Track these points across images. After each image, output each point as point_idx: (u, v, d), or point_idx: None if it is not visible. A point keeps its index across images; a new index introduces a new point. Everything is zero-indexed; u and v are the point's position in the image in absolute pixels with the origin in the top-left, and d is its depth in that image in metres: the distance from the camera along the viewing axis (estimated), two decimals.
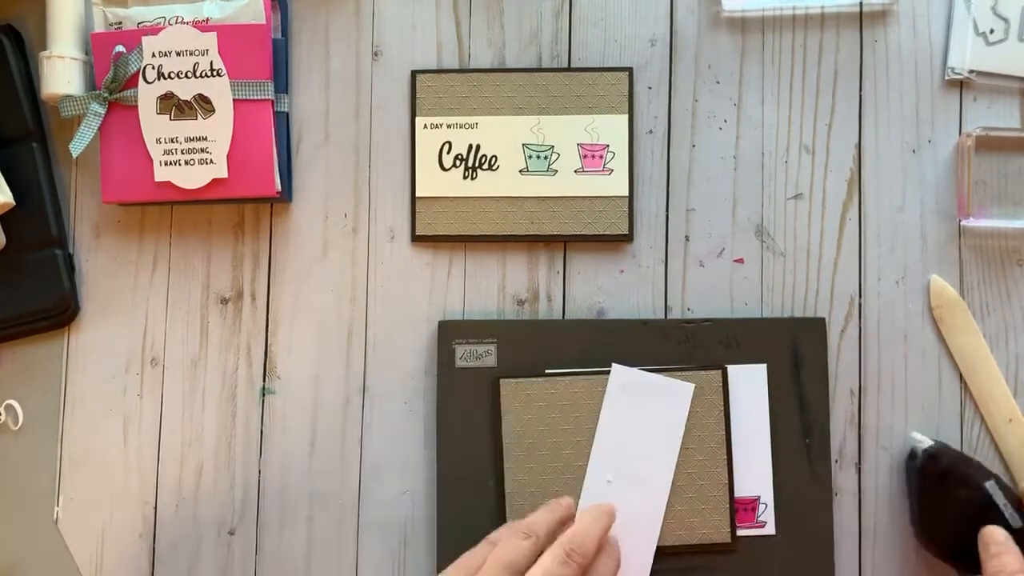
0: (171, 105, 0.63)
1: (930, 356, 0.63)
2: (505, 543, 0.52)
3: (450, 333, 0.63)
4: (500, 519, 0.61)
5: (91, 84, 0.64)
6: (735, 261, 0.64)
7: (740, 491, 0.61)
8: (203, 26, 0.63)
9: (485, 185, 0.64)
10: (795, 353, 0.62)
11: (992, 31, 0.64)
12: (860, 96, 0.65)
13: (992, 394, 0.62)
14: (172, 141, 0.63)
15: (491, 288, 0.65)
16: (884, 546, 0.62)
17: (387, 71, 0.66)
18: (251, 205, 0.66)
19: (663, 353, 0.62)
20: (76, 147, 0.62)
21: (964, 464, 0.59)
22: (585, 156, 0.64)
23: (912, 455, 0.61)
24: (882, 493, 0.63)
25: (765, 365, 0.62)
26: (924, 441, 0.61)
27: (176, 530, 0.64)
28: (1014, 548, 0.55)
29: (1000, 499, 0.58)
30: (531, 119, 0.65)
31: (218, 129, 0.63)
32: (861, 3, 0.65)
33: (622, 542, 0.57)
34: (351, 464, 0.64)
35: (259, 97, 0.63)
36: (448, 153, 0.65)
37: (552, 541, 0.53)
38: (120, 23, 0.64)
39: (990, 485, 0.58)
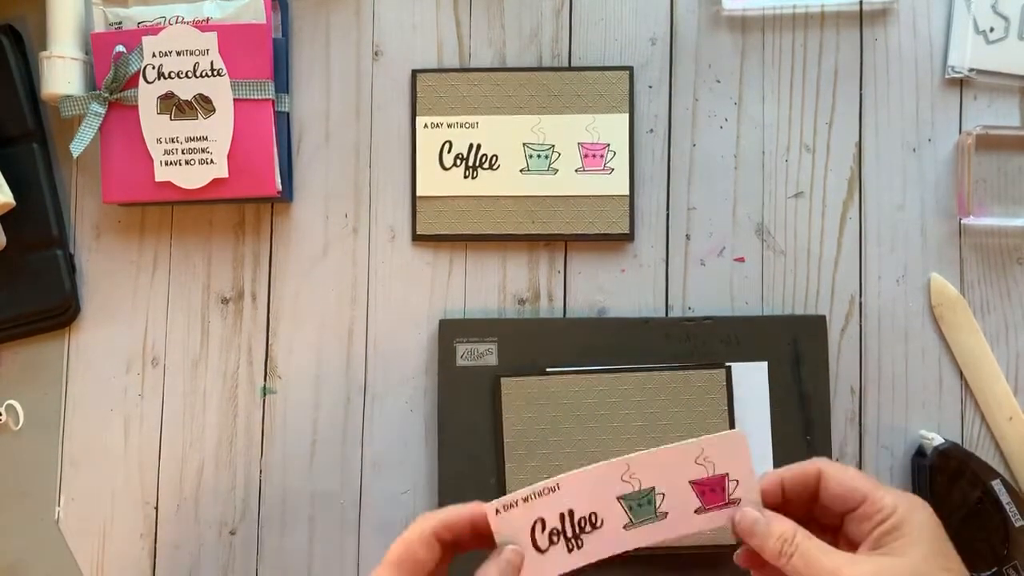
0: (171, 105, 0.63)
1: (931, 354, 0.63)
2: None
3: (451, 332, 0.63)
4: None
5: (91, 84, 0.64)
6: (736, 260, 0.65)
7: None
8: (203, 26, 0.63)
9: (486, 184, 0.64)
10: (796, 351, 0.62)
11: (992, 29, 0.64)
12: (860, 95, 0.65)
13: (993, 392, 0.62)
14: (172, 141, 0.63)
15: (492, 287, 0.65)
16: None
17: (387, 71, 0.66)
18: (252, 205, 0.66)
19: (664, 351, 0.62)
20: (76, 147, 0.62)
21: (973, 462, 0.59)
22: (586, 155, 0.64)
23: (920, 452, 0.62)
24: None
25: (766, 363, 0.62)
26: (935, 439, 0.61)
27: (177, 530, 0.64)
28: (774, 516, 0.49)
29: (1005, 498, 0.58)
30: (532, 118, 0.65)
31: (219, 129, 0.63)
32: (861, 2, 0.65)
33: None
34: (352, 463, 0.64)
35: (260, 97, 0.63)
36: (449, 152, 0.65)
37: None
38: (120, 23, 0.64)
39: (996, 484, 0.59)
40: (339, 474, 0.64)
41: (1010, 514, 0.58)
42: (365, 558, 0.64)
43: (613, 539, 0.52)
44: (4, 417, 0.65)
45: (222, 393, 0.65)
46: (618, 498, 0.52)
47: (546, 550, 0.52)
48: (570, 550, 0.52)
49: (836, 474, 0.49)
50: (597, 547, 0.52)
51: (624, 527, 0.52)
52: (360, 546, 0.64)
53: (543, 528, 0.52)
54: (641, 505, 0.53)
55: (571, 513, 0.52)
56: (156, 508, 0.65)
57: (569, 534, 0.52)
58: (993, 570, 0.59)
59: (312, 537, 0.64)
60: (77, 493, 0.65)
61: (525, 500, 0.51)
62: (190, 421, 0.65)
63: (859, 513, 0.48)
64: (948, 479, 0.59)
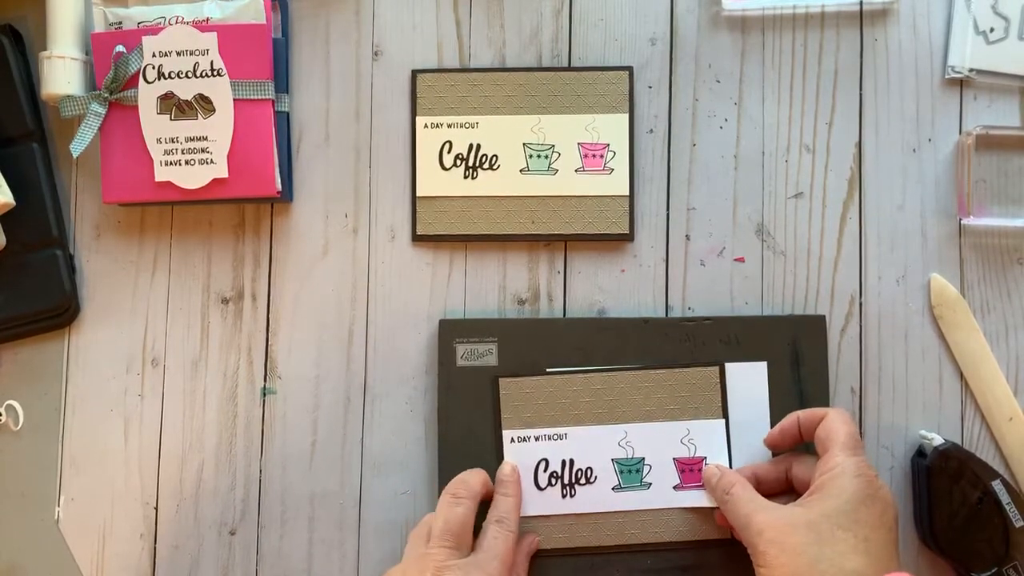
0: (171, 105, 0.63)
1: (931, 355, 0.63)
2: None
3: (451, 332, 0.63)
4: None
5: (91, 84, 0.64)
6: (736, 260, 0.65)
7: None
8: (203, 26, 0.63)
9: (486, 184, 0.64)
10: (795, 351, 0.62)
11: (992, 30, 0.64)
12: (860, 95, 0.65)
13: (993, 392, 0.62)
14: (172, 141, 0.63)
15: (492, 287, 0.65)
16: None
17: (387, 71, 0.66)
18: (251, 205, 0.66)
19: (664, 351, 0.62)
20: (76, 147, 0.62)
21: (973, 463, 0.59)
22: (585, 155, 0.64)
23: (920, 452, 0.62)
24: None
25: (765, 363, 0.62)
26: (935, 439, 0.61)
27: (177, 530, 0.64)
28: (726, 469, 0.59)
29: (1005, 498, 0.58)
30: (531, 118, 0.65)
31: (218, 129, 0.63)
32: (861, 2, 0.65)
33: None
34: (352, 464, 0.64)
35: (259, 97, 0.63)
36: (449, 153, 0.65)
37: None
38: (120, 23, 0.64)
39: (996, 484, 0.59)
40: (339, 474, 0.64)
41: (1010, 514, 0.58)
42: (365, 558, 0.64)
43: (601, 498, 0.61)
44: (4, 417, 0.65)
45: (222, 393, 0.65)
46: (612, 460, 0.61)
47: (544, 489, 0.61)
48: (564, 496, 0.61)
49: (829, 421, 0.56)
50: (587, 501, 0.61)
51: (613, 489, 0.61)
52: (360, 546, 0.64)
53: (546, 468, 0.61)
54: (631, 471, 0.61)
55: (571, 462, 0.61)
56: (156, 508, 0.65)
57: (566, 481, 0.61)
58: (993, 570, 0.59)
59: (312, 537, 0.64)
60: (77, 493, 0.65)
61: (537, 439, 0.61)
62: (190, 421, 0.65)
63: (819, 463, 0.55)
64: (948, 479, 0.59)
